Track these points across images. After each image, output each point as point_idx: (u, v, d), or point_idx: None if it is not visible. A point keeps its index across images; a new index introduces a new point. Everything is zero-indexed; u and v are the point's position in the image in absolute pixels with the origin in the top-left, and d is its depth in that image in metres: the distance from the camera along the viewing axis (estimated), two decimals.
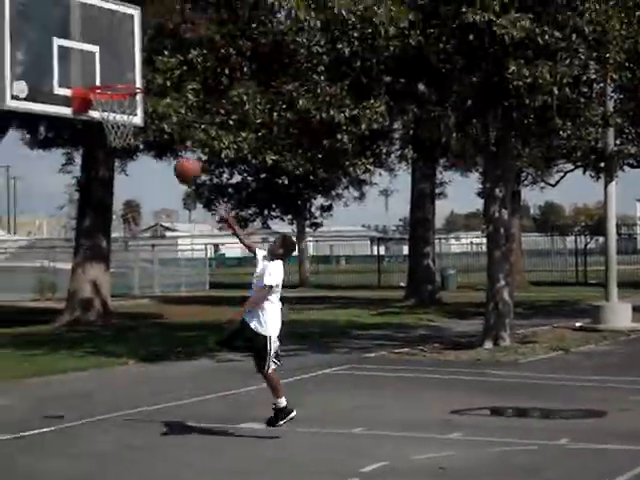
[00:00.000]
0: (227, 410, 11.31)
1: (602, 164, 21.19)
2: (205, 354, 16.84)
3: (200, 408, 11.50)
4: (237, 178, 44.22)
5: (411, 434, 9.55)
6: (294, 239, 10.05)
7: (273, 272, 9.33)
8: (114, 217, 32.43)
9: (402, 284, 34.75)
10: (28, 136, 27.74)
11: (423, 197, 31.52)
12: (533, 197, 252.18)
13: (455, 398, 11.67)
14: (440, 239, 48.84)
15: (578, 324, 20.77)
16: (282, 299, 9.65)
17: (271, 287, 9.30)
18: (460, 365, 14.99)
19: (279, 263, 9.45)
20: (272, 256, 9.48)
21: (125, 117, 9.76)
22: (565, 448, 8.92)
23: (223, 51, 15.83)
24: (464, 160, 24.88)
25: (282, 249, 9.52)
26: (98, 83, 9.65)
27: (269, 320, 9.38)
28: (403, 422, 10.07)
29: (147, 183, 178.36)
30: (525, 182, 37.94)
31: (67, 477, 8.27)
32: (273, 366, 9.38)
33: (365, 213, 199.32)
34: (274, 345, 9.35)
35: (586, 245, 44.92)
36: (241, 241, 9.83)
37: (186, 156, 9.54)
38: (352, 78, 15.75)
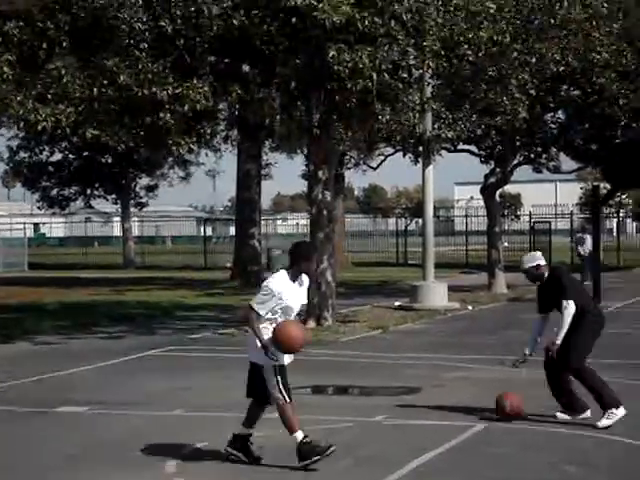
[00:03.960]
0: (45, 394, 11.03)
1: (420, 148, 21.88)
2: (22, 337, 16.34)
3: (17, 392, 11.16)
4: (58, 156, 43.02)
5: (230, 414, 9.58)
6: (300, 243, 8.00)
7: (260, 291, 7.52)
8: None
9: (228, 265, 34.76)
10: None
11: (249, 178, 31.57)
12: (357, 179, 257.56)
13: None
14: (267, 220, 49.18)
15: (397, 303, 21.40)
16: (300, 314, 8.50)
17: (251, 308, 7.46)
18: None
19: (273, 279, 7.53)
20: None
21: None
22: (382, 424, 9.19)
23: (41, 24, 15.28)
24: (289, 142, 25.05)
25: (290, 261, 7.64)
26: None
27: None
28: (223, 403, 10.10)
29: None
30: (348, 165, 38.64)
31: None
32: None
33: (193, 193, 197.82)
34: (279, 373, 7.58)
35: (406, 227, 46.35)
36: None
37: None
38: (175, 56, 15.57)
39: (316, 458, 7.43)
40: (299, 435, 7.53)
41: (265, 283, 7.56)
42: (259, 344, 7.46)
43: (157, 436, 8.77)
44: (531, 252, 9.95)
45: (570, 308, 8.87)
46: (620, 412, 8.83)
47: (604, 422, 8.76)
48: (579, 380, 9.03)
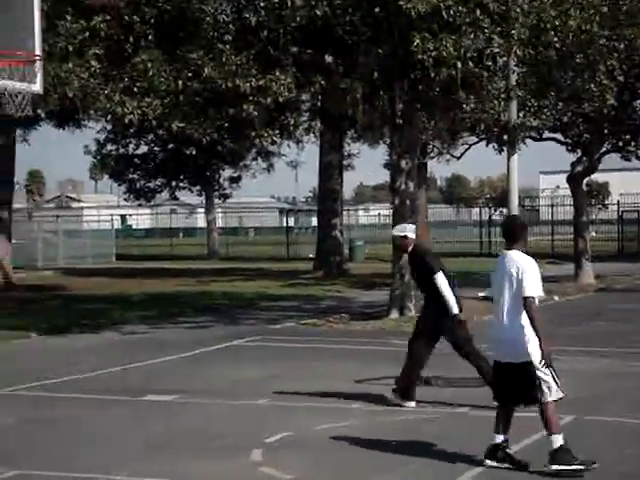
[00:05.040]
0: (132, 382, 11.22)
1: (505, 137, 21.57)
2: (109, 327, 16.65)
3: (105, 381, 11.38)
4: (144, 149, 43.64)
5: (315, 404, 9.62)
6: (515, 217, 8.30)
7: (528, 274, 7.06)
8: (17, 187, 31.68)
9: (311, 255, 34.87)
10: None
11: (331, 169, 31.58)
12: (440, 169, 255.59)
13: (360, 368, 11.78)
14: (348, 210, 49.18)
15: (482, 294, 21.13)
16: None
17: (531, 298, 7.00)
18: (366, 335, 15.15)
19: (527, 258, 7.16)
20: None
21: (24, 85, 9.50)
22: (466, 416, 9.10)
23: (127, 18, 15.53)
24: (371, 132, 24.99)
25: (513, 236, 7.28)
26: None
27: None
28: (308, 392, 10.13)
29: (52, 153, 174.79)
30: (431, 154, 38.32)
31: None
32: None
33: (275, 184, 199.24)
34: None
35: (490, 217, 45.78)
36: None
37: None
38: (258, 48, 15.65)
39: (574, 468, 6.91)
40: (559, 439, 6.97)
41: (527, 264, 6.99)
42: (532, 339, 6.92)
43: (242, 425, 8.84)
44: (405, 224, 10.38)
45: (440, 278, 9.12)
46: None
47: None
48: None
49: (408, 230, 9.54)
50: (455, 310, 9.23)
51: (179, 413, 9.49)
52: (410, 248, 9.44)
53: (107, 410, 9.66)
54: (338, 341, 14.30)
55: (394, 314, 16.85)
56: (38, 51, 9.97)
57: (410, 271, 9.57)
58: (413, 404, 9.38)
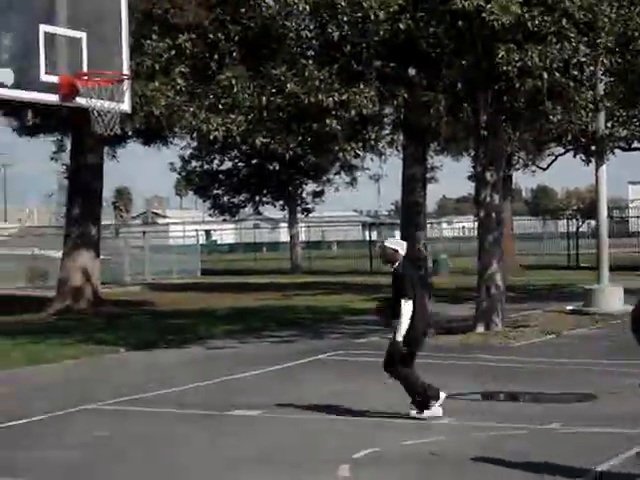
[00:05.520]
0: (218, 397, 11.30)
1: (593, 147, 21.18)
2: (195, 341, 16.82)
3: (192, 395, 11.48)
4: (228, 165, 44.14)
5: (401, 420, 9.54)
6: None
7: None
8: (104, 204, 32.32)
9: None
10: (15, 123, 27.53)
11: (414, 181, 31.25)
12: (525, 180, 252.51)
13: (446, 382, 11.64)
14: (432, 224, 48.90)
15: (570, 307, 20.79)
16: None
17: None
18: (452, 349, 15.00)
19: None
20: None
21: (112, 104, 9.67)
22: (556, 432, 8.92)
23: (212, 36, 15.74)
24: (455, 144, 24.82)
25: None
26: (85, 69, 9.55)
27: None
28: (394, 407, 10.06)
29: (139, 170, 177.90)
30: (517, 166, 37.92)
31: (64, 464, 8.23)
32: None
33: (356, 198, 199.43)
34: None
35: (578, 228, 44.95)
36: None
37: None
38: (341, 62, 15.69)
39: None
40: None
41: None
42: None
43: (329, 439, 8.82)
44: (399, 240, 10.74)
45: (407, 306, 9.41)
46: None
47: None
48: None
49: (401, 246, 9.81)
50: (400, 338, 9.52)
51: (266, 428, 9.50)
52: (397, 263, 9.67)
53: (195, 425, 9.74)
54: (423, 355, 14.10)
55: (480, 328, 16.65)
56: (126, 70, 10.15)
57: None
58: (438, 411, 9.49)
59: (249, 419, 9.94)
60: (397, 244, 9.87)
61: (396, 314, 9.57)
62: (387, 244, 9.87)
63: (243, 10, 15.99)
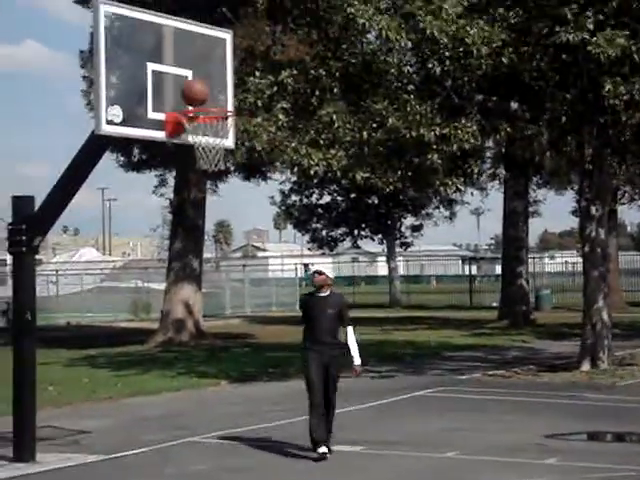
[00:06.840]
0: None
1: None
2: (297, 375, 16.82)
3: (294, 429, 11.46)
4: (327, 198, 44.37)
5: (506, 459, 9.34)
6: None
7: None
8: (206, 237, 32.79)
9: (495, 304, 34.25)
10: (122, 159, 28.22)
11: (515, 215, 31.05)
12: (630, 215, 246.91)
13: (551, 422, 11.39)
14: (534, 258, 48.08)
15: None
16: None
17: None
18: (556, 388, 14.66)
19: None
20: None
21: (217, 140, 9.82)
22: None
23: (313, 72, 15.90)
24: (558, 178, 24.42)
25: None
26: (191, 107, 9.74)
27: None
28: (497, 446, 9.86)
29: (239, 203, 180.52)
30: (622, 200, 37.08)
31: None
32: None
33: (455, 231, 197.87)
34: None
35: None
36: None
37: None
38: (443, 97, 15.64)
39: None
40: None
41: None
42: None
43: (431, 479, 8.67)
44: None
45: (352, 331, 10.19)
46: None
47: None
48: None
49: (331, 274, 10.20)
50: (358, 361, 10.24)
51: (366, 464, 9.41)
52: (329, 290, 10.06)
53: (294, 460, 9.69)
54: (526, 394, 13.88)
55: (585, 366, 16.24)
56: (230, 107, 10.31)
57: (322, 308, 10.11)
58: (321, 449, 9.54)
59: (349, 455, 9.85)
60: (329, 272, 10.25)
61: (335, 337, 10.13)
62: (322, 269, 10.24)
63: (344, 46, 16.11)
